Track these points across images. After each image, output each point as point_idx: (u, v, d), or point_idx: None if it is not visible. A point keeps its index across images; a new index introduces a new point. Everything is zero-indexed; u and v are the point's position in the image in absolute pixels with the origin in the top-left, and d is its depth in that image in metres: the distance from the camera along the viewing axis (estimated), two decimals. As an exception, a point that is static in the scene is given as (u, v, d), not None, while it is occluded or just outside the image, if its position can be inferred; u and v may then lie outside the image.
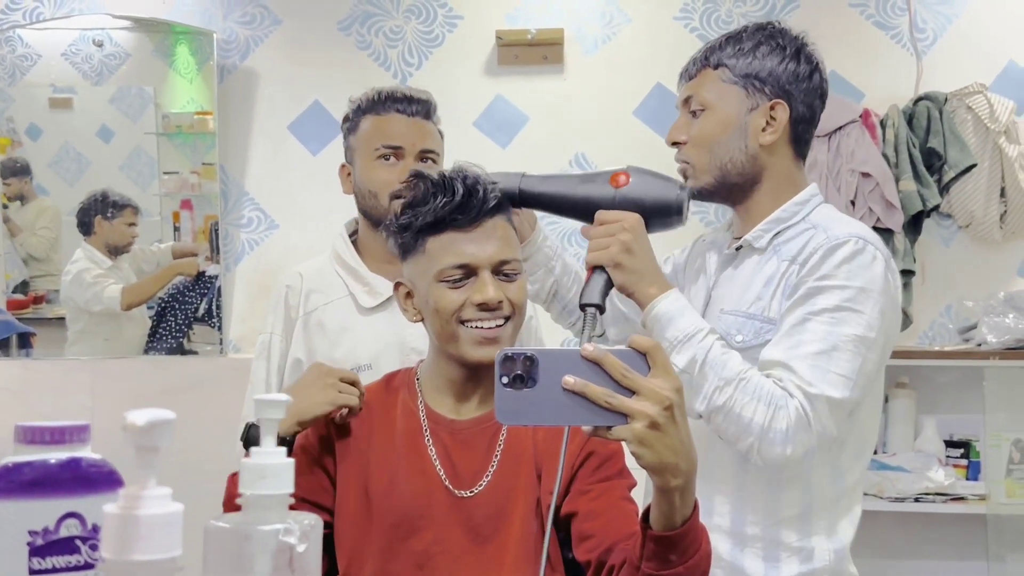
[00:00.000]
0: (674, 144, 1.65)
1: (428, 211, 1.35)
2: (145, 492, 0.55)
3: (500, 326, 1.35)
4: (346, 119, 1.97)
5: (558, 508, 1.32)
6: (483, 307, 1.33)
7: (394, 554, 1.34)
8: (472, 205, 1.34)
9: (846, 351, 1.45)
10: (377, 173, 1.87)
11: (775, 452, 1.42)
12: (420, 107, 1.90)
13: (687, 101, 1.63)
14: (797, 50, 1.60)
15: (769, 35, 1.60)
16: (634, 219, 1.40)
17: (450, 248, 1.34)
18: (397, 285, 1.45)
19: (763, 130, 1.58)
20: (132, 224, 3.53)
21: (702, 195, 1.64)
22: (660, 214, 1.42)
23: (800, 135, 1.62)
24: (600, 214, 1.42)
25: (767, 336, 1.52)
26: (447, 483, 1.35)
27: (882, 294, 1.49)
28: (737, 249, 1.63)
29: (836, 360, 1.44)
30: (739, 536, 1.56)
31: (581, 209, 1.45)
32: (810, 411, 1.42)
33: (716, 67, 1.60)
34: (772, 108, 1.58)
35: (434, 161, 1.90)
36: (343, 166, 1.99)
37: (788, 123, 1.59)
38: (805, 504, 1.55)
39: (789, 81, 1.59)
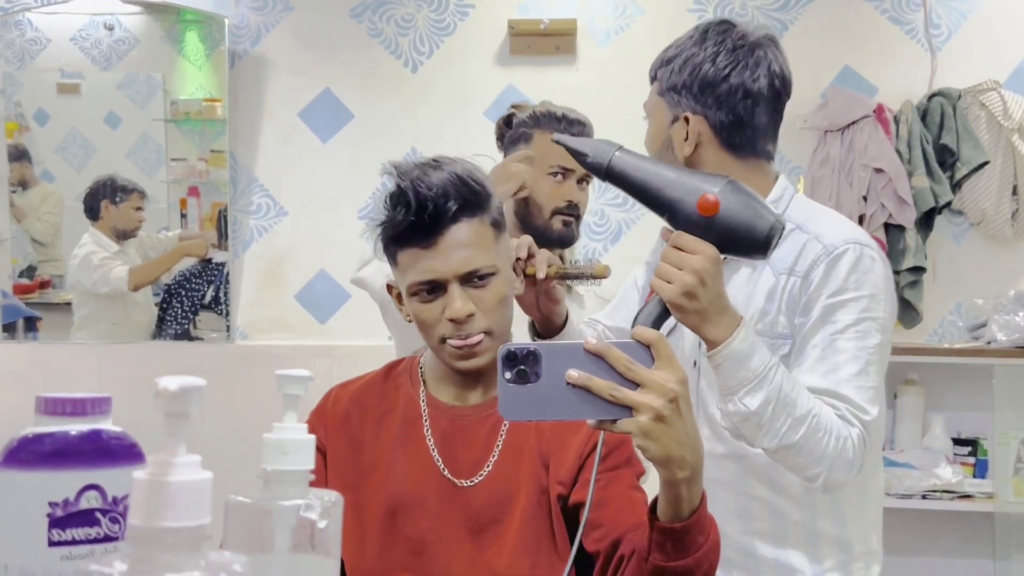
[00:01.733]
0: None
1: (390, 225, 1.33)
2: (175, 459, 0.54)
3: (478, 343, 1.33)
4: (511, 124, 2.19)
5: (560, 496, 1.32)
6: (454, 321, 1.32)
7: (391, 541, 1.34)
8: (425, 221, 1.30)
9: (874, 363, 1.48)
10: (545, 186, 2.11)
11: (840, 478, 1.44)
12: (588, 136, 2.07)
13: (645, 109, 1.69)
14: (715, 54, 1.57)
15: (696, 41, 1.59)
16: (705, 260, 1.29)
17: (415, 264, 1.32)
18: (389, 288, 1.45)
19: (684, 141, 1.59)
20: (139, 208, 3.53)
21: None
22: (744, 247, 1.29)
23: (732, 140, 1.58)
24: (676, 237, 1.30)
25: (781, 351, 1.52)
26: (445, 471, 1.35)
27: (885, 293, 1.52)
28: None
29: (871, 376, 1.48)
30: (781, 535, 1.57)
31: (663, 210, 1.32)
32: (867, 436, 1.46)
33: (653, 79, 1.65)
34: (686, 121, 1.58)
35: (588, 182, 2.17)
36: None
37: (710, 132, 1.58)
38: (837, 495, 1.56)
39: (702, 90, 1.57)
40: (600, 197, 3.36)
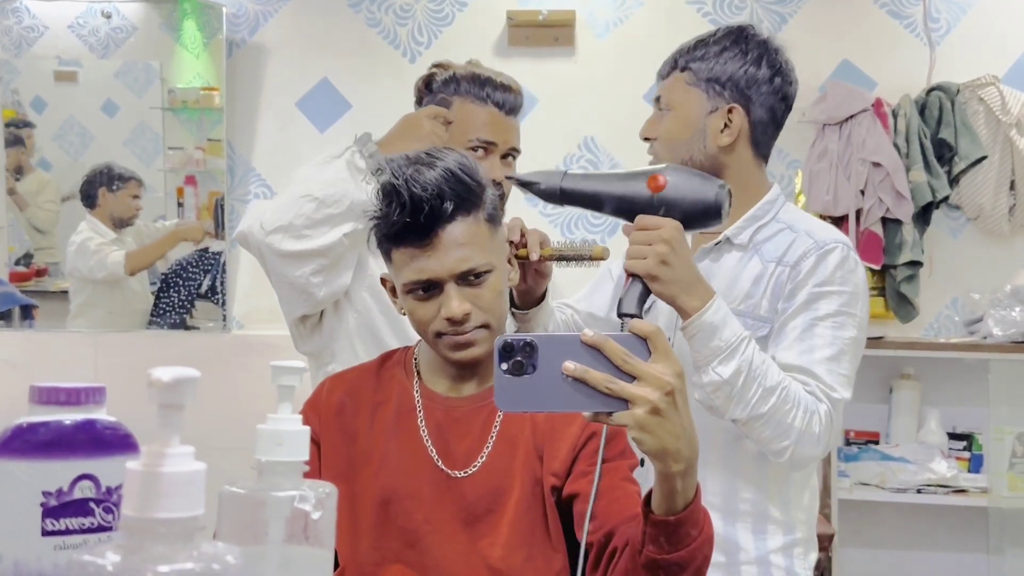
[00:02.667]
0: (645, 139, 1.73)
1: (384, 224, 1.32)
2: (168, 450, 0.54)
3: (474, 336, 1.34)
4: (431, 88, 1.88)
5: (554, 487, 1.32)
6: (451, 321, 1.32)
7: (385, 532, 1.34)
8: (420, 224, 1.29)
9: (848, 353, 1.55)
10: None
11: (807, 453, 1.50)
12: (515, 105, 1.86)
13: (658, 100, 1.71)
14: (760, 55, 1.66)
15: (735, 40, 1.67)
16: (672, 228, 1.38)
17: (410, 263, 1.32)
18: (383, 280, 1.45)
19: (721, 132, 1.66)
20: (136, 196, 3.52)
21: None
22: (699, 216, 1.39)
23: (759, 138, 1.68)
24: (639, 219, 1.40)
25: (760, 333, 1.58)
26: (438, 462, 1.35)
27: (863, 295, 1.61)
28: (715, 244, 1.69)
29: (843, 363, 1.55)
30: (731, 512, 1.64)
31: (621, 210, 1.42)
32: (835, 414, 1.52)
33: (683, 70, 1.68)
34: (729, 112, 1.65)
35: (514, 158, 1.87)
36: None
37: (747, 126, 1.66)
38: (783, 480, 1.64)
39: (748, 85, 1.66)
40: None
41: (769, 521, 1.64)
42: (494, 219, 1.37)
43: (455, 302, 1.31)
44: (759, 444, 1.52)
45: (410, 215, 1.28)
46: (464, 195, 1.31)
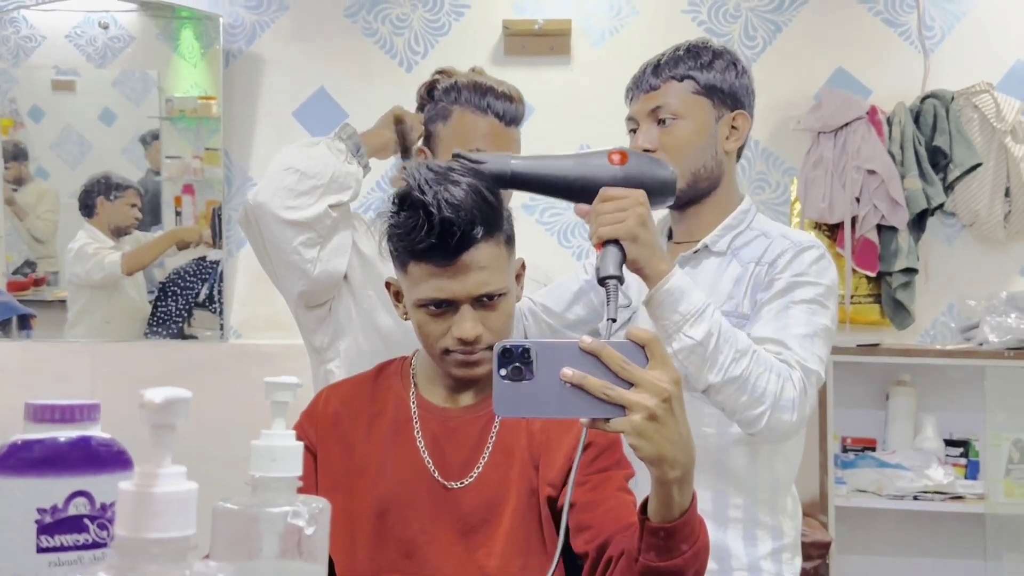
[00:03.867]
0: (645, 151, 1.69)
1: (406, 238, 1.30)
2: (161, 470, 0.54)
3: (481, 356, 1.34)
4: (433, 95, 1.88)
5: (571, 504, 1.32)
6: (462, 341, 1.32)
7: (382, 542, 1.34)
8: (449, 245, 1.28)
9: (820, 338, 1.58)
10: None
11: (783, 419, 1.49)
12: (516, 116, 1.84)
13: (654, 111, 1.70)
14: (742, 68, 1.74)
15: (716, 53, 1.72)
16: (642, 195, 1.39)
17: (428, 280, 1.31)
18: (388, 284, 1.45)
19: (727, 137, 1.72)
20: (134, 205, 3.52)
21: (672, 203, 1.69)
22: (658, 191, 1.42)
23: (743, 145, 1.77)
24: (607, 191, 1.38)
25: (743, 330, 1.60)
26: (434, 473, 1.35)
27: (836, 296, 1.65)
28: (693, 252, 1.72)
29: (817, 344, 1.57)
30: (723, 519, 1.65)
31: (578, 189, 1.40)
32: (807, 384, 1.52)
33: (682, 80, 1.70)
34: (735, 118, 1.72)
35: None
36: (420, 150, 1.92)
37: (747, 133, 1.75)
38: (772, 487, 1.66)
39: (742, 95, 1.73)
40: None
41: (759, 527, 1.66)
42: (511, 241, 1.37)
43: (468, 324, 1.31)
44: (734, 413, 1.50)
45: (438, 236, 1.27)
46: (491, 218, 1.31)
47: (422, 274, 1.31)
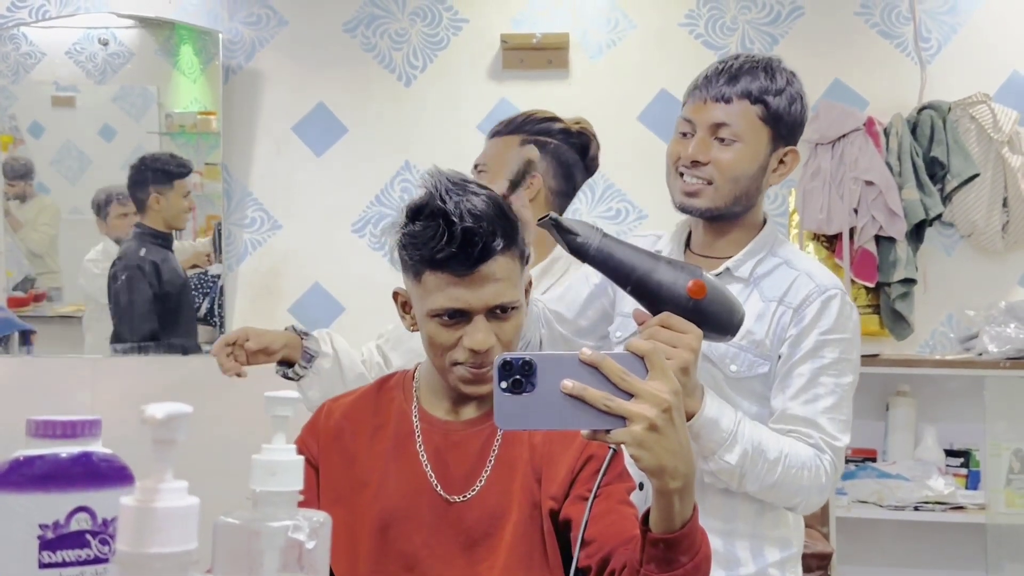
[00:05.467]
0: (694, 163, 1.66)
1: (424, 246, 1.30)
2: (162, 485, 0.55)
3: (489, 368, 1.34)
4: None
5: (554, 511, 1.32)
6: (473, 352, 1.32)
7: (384, 556, 1.34)
8: (469, 255, 1.28)
9: (847, 398, 1.63)
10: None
11: (816, 502, 1.60)
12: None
13: (717, 126, 1.64)
14: (806, 103, 1.70)
15: (789, 79, 1.67)
16: (697, 338, 1.40)
17: (444, 290, 1.31)
18: (395, 295, 1.45)
19: (774, 170, 1.70)
20: (128, 213, 3.53)
21: (705, 213, 1.69)
22: (717, 330, 1.44)
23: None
24: (668, 317, 1.40)
25: (759, 370, 1.64)
26: (437, 487, 1.35)
27: (857, 338, 1.67)
28: (716, 274, 1.69)
29: (843, 409, 1.63)
30: (730, 533, 1.67)
31: (646, 296, 1.42)
32: (837, 461, 1.61)
33: (755, 102, 1.64)
34: (786, 154, 1.69)
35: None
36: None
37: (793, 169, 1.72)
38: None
39: (798, 131, 1.70)
40: (593, 210, 3.37)
41: (766, 540, 1.68)
42: (524, 256, 1.37)
43: (481, 335, 1.31)
44: (774, 504, 1.62)
45: (459, 246, 1.27)
46: (509, 232, 1.31)
47: (438, 283, 1.31)
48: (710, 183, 1.65)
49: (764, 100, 1.64)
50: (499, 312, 1.33)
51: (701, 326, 1.40)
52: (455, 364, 1.34)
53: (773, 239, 1.72)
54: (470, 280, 1.29)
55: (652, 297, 1.41)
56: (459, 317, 1.32)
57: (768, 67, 1.66)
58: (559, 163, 2.11)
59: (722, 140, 1.64)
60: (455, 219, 1.27)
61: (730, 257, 1.69)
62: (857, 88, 3.33)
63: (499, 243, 1.29)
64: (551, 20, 3.40)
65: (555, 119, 2.14)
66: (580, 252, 1.41)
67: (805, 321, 1.62)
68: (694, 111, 1.67)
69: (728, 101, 1.64)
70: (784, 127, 1.67)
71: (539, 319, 1.83)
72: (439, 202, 1.29)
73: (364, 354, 2.18)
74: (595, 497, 1.21)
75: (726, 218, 1.69)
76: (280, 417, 0.80)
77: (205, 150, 3.53)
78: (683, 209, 1.70)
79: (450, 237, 1.27)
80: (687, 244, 1.78)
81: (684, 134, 1.69)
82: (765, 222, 1.74)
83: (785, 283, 1.65)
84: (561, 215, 1.57)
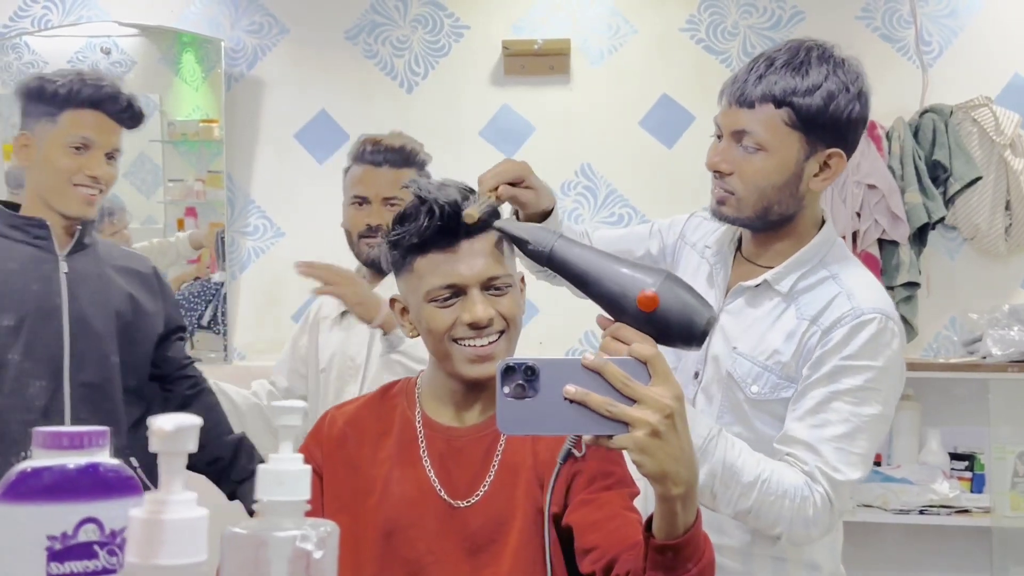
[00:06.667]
0: (716, 172, 1.57)
1: (412, 232, 1.34)
2: (171, 496, 0.55)
3: (493, 342, 1.34)
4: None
5: (557, 517, 1.32)
6: (474, 326, 1.33)
7: (389, 562, 1.34)
8: (452, 227, 1.32)
9: (865, 431, 1.49)
10: None
11: (802, 535, 1.48)
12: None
13: (739, 133, 1.54)
14: (859, 91, 1.52)
15: (834, 70, 1.51)
16: (649, 348, 1.31)
17: (436, 269, 1.33)
18: (392, 301, 1.46)
19: (815, 175, 1.54)
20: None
21: (735, 222, 1.62)
22: (679, 340, 1.27)
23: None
24: (619, 329, 1.23)
25: (783, 393, 1.54)
26: (441, 492, 1.35)
27: (897, 369, 1.53)
28: (755, 285, 1.61)
29: (857, 442, 1.49)
30: (747, 555, 1.60)
31: (603, 302, 1.28)
32: (833, 496, 1.47)
33: (779, 105, 1.50)
34: (829, 157, 1.54)
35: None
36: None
37: (842, 169, 1.56)
38: None
39: (848, 128, 1.52)
40: (595, 215, 3.37)
41: (788, 562, 1.60)
42: (506, 248, 1.37)
43: (480, 306, 1.32)
44: (756, 530, 1.52)
45: (442, 220, 1.31)
46: (486, 210, 1.35)
47: (430, 266, 1.34)
48: (733, 193, 1.56)
49: (791, 103, 1.50)
50: (494, 289, 1.34)
51: (660, 336, 1.26)
52: (456, 341, 1.34)
53: (826, 250, 1.59)
54: (459, 254, 1.32)
55: (607, 304, 1.30)
56: (455, 296, 1.33)
57: (803, 62, 1.51)
58: None
59: (745, 147, 1.53)
60: (434, 204, 1.32)
61: (772, 268, 1.59)
62: (859, 92, 3.33)
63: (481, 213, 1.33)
64: (552, 26, 3.41)
65: None
66: (535, 258, 1.31)
67: (830, 344, 1.50)
68: (721, 114, 1.58)
69: (751, 106, 1.52)
70: (820, 129, 1.50)
71: (583, 238, 1.77)
72: (420, 193, 1.34)
73: (254, 386, 2.32)
74: (554, 483, 1.22)
75: (766, 228, 1.59)
76: (287, 427, 0.80)
77: (208, 158, 3.53)
78: (715, 216, 1.61)
79: (431, 217, 1.32)
80: (739, 247, 1.69)
81: (718, 136, 1.59)
82: (822, 229, 1.61)
83: (823, 301, 1.53)
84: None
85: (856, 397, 1.49)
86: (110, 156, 1.98)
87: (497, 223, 1.35)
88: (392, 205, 2.18)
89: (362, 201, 2.22)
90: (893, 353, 1.52)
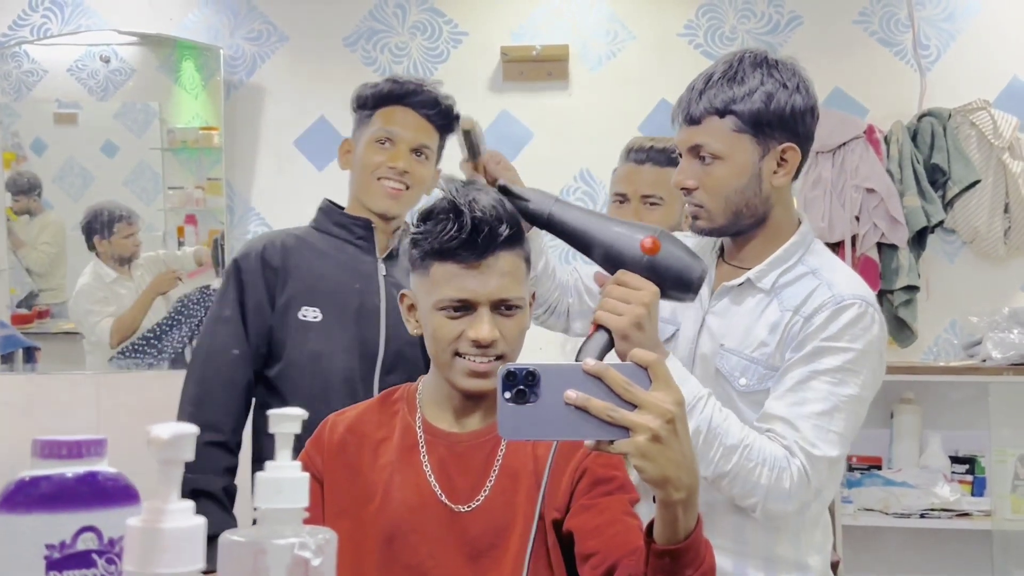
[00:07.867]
0: (683, 189, 1.62)
1: (435, 238, 1.33)
2: (168, 506, 0.55)
3: (492, 362, 1.35)
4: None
5: (556, 521, 1.33)
6: (477, 344, 1.33)
7: (390, 568, 1.34)
8: (477, 243, 1.31)
9: (844, 411, 1.52)
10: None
11: (777, 508, 1.50)
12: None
13: (695, 149, 1.59)
14: (796, 83, 1.59)
15: (769, 72, 1.58)
16: (652, 293, 1.37)
17: (452, 280, 1.33)
18: (402, 296, 1.46)
19: (775, 172, 1.59)
20: (131, 235, 3.54)
21: (712, 234, 1.66)
22: (677, 288, 1.40)
23: (801, 166, 1.64)
24: (623, 274, 1.39)
25: (769, 383, 1.57)
26: (442, 497, 1.35)
27: (877, 355, 1.56)
28: (738, 284, 1.65)
29: (835, 420, 1.51)
30: (741, 554, 1.61)
31: (604, 258, 1.41)
32: (811, 471, 1.49)
33: (723, 115, 1.57)
34: (783, 151, 1.58)
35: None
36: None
37: (798, 162, 1.61)
38: (796, 522, 1.61)
39: (795, 119, 1.58)
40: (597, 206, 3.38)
41: (779, 561, 1.61)
42: (528, 262, 1.39)
43: (486, 326, 1.32)
44: (731, 500, 1.52)
45: (468, 233, 1.30)
46: (515, 228, 1.34)
47: (446, 274, 1.33)
48: (702, 206, 1.61)
49: (732, 111, 1.56)
50: (503, 309, 1.34)
51: (659, 285, 1.38)
52: (457, 355, 1.34)
53: (805, 247, 1.64)
54: (477, 271, 1.32)
55: (608, 259, 1.40)
56: (464, 310, 1.33)
57: (737, 71, 1.58)
58: None
59: (703, 160, 1.59)
60: (464, 210, 1.31)
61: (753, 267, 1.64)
62: (857, 96, 3.34)
63: (504, 230, 1.32)
64: (551, 32, 3.42)
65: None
66: (534, 218, 1.41)
67: (812, 328, 1.54)
68: (676, 136, 1.65)
69: (698, 122, 1.58)
70: (767, 127, 1.56)
71: (570, 289, 1.82)
72: (450, 197, 1.33)
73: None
74: (546, 485, 1.22)
75: (742, 232, 1.64)
76: (285, 434, 0.80)
77: (207, 165, 3.54)
78: (693, 231, 1.66)
79: (459, 226, 1.31)
80: (720, 253, 1.73)
81: (679, 156, 1.66)
82: (799, 228, 1.66)
83: (805, 292, 1.58)
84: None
85: (835, 377, 1.52)
86: (418, 152, 1.98)
87: (500, 182, 1.40)
88: (652, 204, 2.17)
89: (623, 199, 2.21)
90: (873, 338, 1.55)
